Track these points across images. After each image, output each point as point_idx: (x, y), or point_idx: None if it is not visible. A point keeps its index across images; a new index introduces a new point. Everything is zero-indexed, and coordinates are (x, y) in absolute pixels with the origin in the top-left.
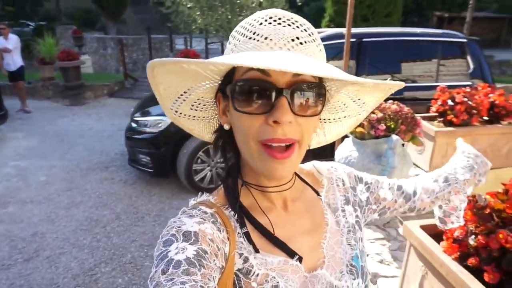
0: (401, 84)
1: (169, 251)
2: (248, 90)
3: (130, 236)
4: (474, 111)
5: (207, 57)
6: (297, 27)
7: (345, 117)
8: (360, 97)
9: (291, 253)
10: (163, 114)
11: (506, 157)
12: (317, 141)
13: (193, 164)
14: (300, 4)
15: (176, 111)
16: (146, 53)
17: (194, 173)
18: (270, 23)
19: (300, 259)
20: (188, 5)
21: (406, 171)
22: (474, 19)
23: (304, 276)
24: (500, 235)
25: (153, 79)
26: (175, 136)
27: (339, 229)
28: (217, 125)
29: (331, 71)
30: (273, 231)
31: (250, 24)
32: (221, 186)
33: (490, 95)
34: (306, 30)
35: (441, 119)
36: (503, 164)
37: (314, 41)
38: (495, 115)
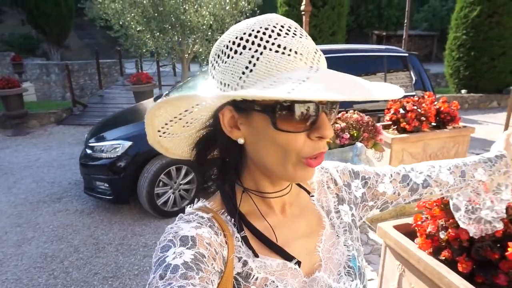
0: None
1: (167, 256)
2: (294, 110)
3: (91, 269)
4: (423, 118)
5: (159, 80)
6: (306, 37)
7: None
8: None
9: (289, 258)
10: (120, 138)
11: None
12: None
13: (155, 188)
14: None
15: (165, 132)
16: (94, 78)
17: (156, 197)
18: (287, 34)
19: (299, 264)
20: (138, 29)
21: None
22: (408, 36)
23: (303, 281)
24: None
25: (157, 110)
26: (134, 160)
27: (334, 231)
28: (195, 138)
29: (389, 92)
30: (275, 235)
31: (265, 34)
32: (217, 192)
33: (435, 102)
34: (311, 40)
35: (395, 127)
36: None
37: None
38: (442, 121)
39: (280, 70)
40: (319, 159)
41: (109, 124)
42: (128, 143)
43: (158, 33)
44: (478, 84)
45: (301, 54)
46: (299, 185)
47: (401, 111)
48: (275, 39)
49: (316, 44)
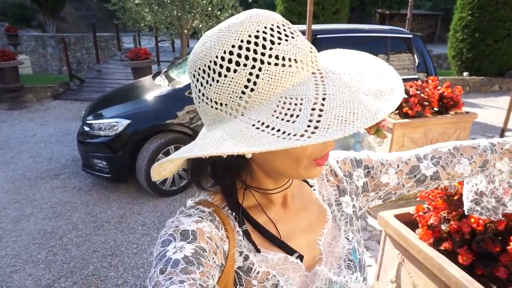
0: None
1: (167, 251)
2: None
3: (90, 247)
4: (426, 103)
5: (158, 55)
6: (296, 33)
7: None
8: None
9: (291, 252)
10: (118, 116)
11: None
12: None
13: None
14: (250, 1)
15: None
16: (91, 52)
17: None
18: (280, 39)
19: (301, 258)
20: (136, 2)
21: None
22: (412, 16)
23: (304, 275)
24: (472, 219)
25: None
26: (132, 139)
27: (336, 224)
28: None
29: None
30: (277, 229)
31: (257, 45)
32: (218, 186)
33: (439, 87)
34: (300, 35)
35: (397, 111)
36: None
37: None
38: (444, 106)
39: (284, 85)
40: (326, 156)
41: (107, 101)
42: (126, 121)
43: (156, 7)
44: (480, 67)
45: (300, 61)
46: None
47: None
48: (271, 49)
49: (319, 22)
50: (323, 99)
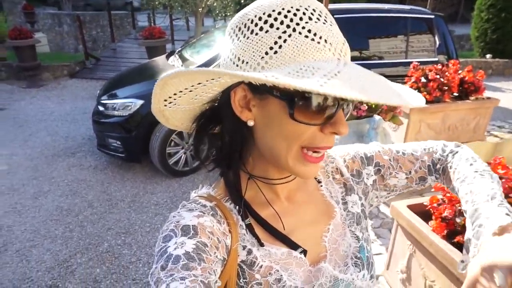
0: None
1: (168, 247)
2: (314, 102)
3: (105, 224)
4: (446, 88)
5: (172, 34)
6: (335, 25)
7: None
8: None
9: (295, 247)
10: (132, 97)
11: (474, 131)
12: None
13: (167, 147)
14: None
15: (171, 102)
16: (107, 30)
17: (168, 156)
18: (318, 20)
19: (304, 253)
20: None
21: None
22: None
23: (308, 270)
24: None
25: (172, 79)
26: (146, 119)
27: (341, 222)
28: (199, 112)
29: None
30: (282, 223)
31: (296, 16)
32: (222, 178)
33: (460, 71)
34: (334, 24)
35: None
36: (471, 138)
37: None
38: (465, 91)
39: (307, 57)
40: (320, 157)
41: (121, 81)
42: (140, 102)
43: None
44: (505, 49)
45: (330, 43)
46: None
47: (423, 79)
48: (306, 22)
49: (336, 2)
50: (339, 72)
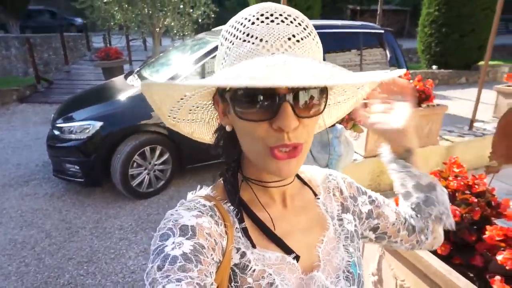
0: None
1: (166, 246)
2: (249, 98)
3: (65, 254)
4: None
5: (129, 55)
6: (291, 22)
7: (344, 100)
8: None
9: (288, 251)
10: (90, 119)
11: (428, 137)
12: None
13: (129, 169)
14: None
15: (174, 117)
16: (59, 52)
17: (130, 178)
18: (262, 22)
19: (297, 258)
20: (105, 0)
21: (350, 157)
22: (382, 11)
23: (300, 278)
24: None
25: (147, 91)
26: (105, 141)
27: (335, 236)
28: (217, 125)
29: (337, 78)
30: (274, 226)
31: (241, 24)
32: (220, 180)
33: (411, 81)
34: (300, 24)
35: None
36: (426, 143)
37: (310, 35)
38: (417, 99)
39: (241, 59)
40: (290, 153)
41: (78, 103)
42: (98, 124)
43: (126, 5)
44: (448, 61)
45: (266, 41)
46: (304, 182)
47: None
48: (247, 28)
49: None
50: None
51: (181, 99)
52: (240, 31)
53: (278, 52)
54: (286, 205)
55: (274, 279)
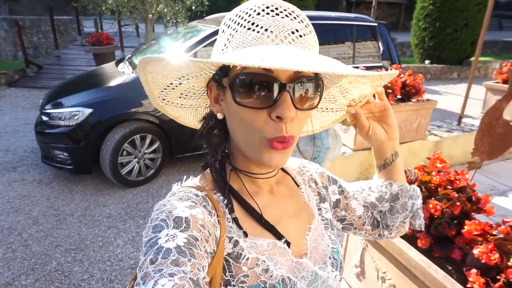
0: (394, 73)
1: (159, 238)
2: (250, 84)
3: (52, 241)
4: (390, 91)
5: (121, 41)
6: (294, 18)
7: (332, 109)
8: (349, 91)
9: (279, 236)
10: (79, 105)
11: (416, 131)
12: (305, 129)
13: (119, 157)
14: None
15: (164, 99)
16: (49, 36)
17: (120, 166)
18: (268, 13)
19: (288, 244)
20: None
21: (338, 150)
22: (377, 3)
23: (291, 260)
24: (430, 205)
25: (143, 70)
26: (95, 128)
27: (319, 224)
28: (204, 113)
29: (342, 68)
30: (261, 214)
31: (246, 13)
32: (207, 171)
33: (401, 75)
34: (302, 21)
35: None
36: (414, 138)
37: (310, 32)
38: (407, 94)
39: (246, 45)
40: (285, 143)
41: (67, 89)
42: (88, 110)
43: None
44: (441, 55)
45: (271, 31)
46: (285, 171)
47: None
48: (252, 17)
49: None
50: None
51: (175, 80)
52: (245, 20)
53: (282, 43)
54: (274, 192)
55: (268, 265)
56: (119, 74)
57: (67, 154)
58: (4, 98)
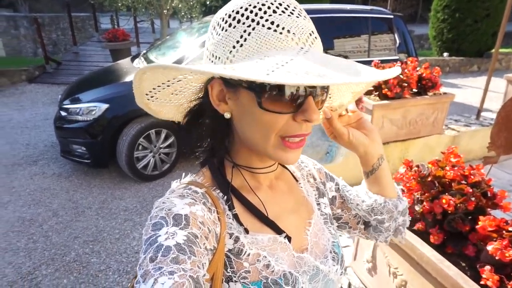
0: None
1: (159, 236)
2: (282, 91)
3: (71, 233)
4: (405, 84)
5: (137, 37)
6: (305, 17)
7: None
8: (333, 95)
9: (279, 231)
10: (96, 100)
11: (433, 125)
12: None
13: (135, 152)
14: None
15: (152, 96)
16: (67, 33)
17: (136, 160)
18: (284, 12)
19: (289, 239)
20: None
21: None
22: None
23: (292, 255)
24: (443, 200)
25: (142, 74)
26: (112, 123)
27: (319, 219)
28: (188, 108)
29: (371, 75)
30: (265, 209)
31: (261, 10)
32: (206, 167)
33: (417, 68)
34: (310, 21)
35: (377, 93)
36: (431, 132)
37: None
38: (423, 87)
39: (269, 47)
40: (299, 142)
41: (85, 85)
42: (104, 106)
43: None
44: (460, 47)
45: (293, 33)
46: (283, 166)
47: None
48: (270, 15)
49: (301, 2)
50: (291, 59)
51: (174, 78)
52: (262, 17)
53: (304, 46)
54: (273, 187)
55: (269, 261)
56: (134, 70)
57: (85, 149)
58: (25, 94)
